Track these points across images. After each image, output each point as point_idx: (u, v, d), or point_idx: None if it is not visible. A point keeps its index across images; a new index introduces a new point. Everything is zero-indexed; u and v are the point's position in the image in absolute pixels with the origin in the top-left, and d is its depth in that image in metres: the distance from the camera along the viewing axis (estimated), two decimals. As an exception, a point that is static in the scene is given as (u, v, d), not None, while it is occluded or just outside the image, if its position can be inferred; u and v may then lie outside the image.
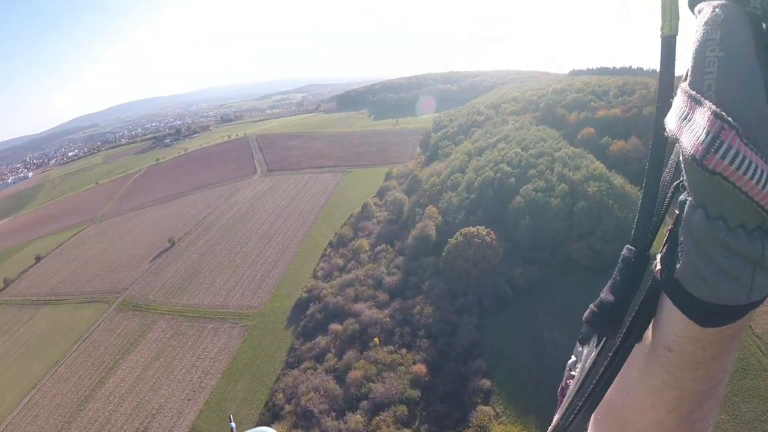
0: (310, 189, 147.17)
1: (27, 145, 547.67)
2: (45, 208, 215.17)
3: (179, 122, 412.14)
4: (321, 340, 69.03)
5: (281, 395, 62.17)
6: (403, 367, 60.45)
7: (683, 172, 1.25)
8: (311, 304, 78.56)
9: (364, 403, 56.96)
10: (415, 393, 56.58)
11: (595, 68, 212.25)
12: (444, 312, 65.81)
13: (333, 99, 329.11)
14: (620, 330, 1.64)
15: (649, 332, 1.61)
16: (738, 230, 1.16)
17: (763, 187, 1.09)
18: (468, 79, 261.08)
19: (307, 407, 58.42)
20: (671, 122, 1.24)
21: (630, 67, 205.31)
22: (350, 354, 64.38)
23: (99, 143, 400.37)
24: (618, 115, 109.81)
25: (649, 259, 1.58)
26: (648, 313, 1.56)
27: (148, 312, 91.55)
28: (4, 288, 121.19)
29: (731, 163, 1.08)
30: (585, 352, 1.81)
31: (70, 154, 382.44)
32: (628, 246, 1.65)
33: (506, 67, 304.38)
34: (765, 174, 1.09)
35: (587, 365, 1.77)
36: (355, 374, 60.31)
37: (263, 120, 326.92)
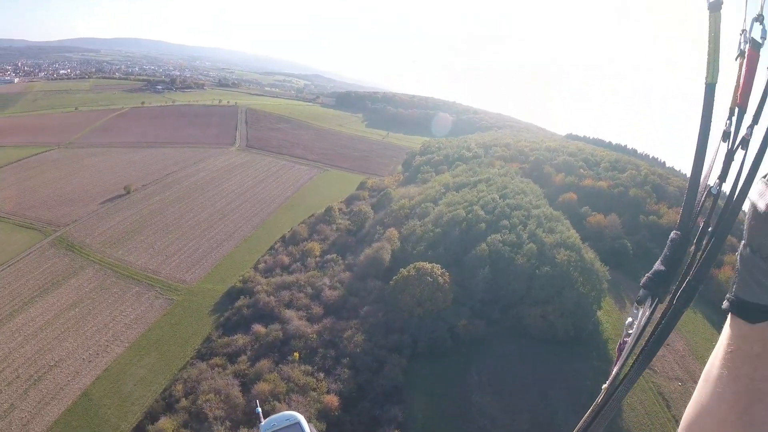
0: (282, 176, 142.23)
1: (23, 50, 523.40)
2: (18, 118, 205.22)
3: (178, 73, 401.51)
4: (239, 339, 63.35)
5: (181, 387, 56.46)
6: (315, 393, 54.62)
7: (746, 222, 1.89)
8: (242, 297, 73.23)
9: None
10: (321, 426, 50.61)
11: (591, 138, 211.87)
12: (375, 345, 60.44)
13: (333, 95, 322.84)
14: (669, 293, 2.15)
15: (718, 349, 2.06)
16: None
17: None
18: (468, 114, 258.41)
19: (202, 409, 52.49)
20: (754, 195, 1.83)
21: (625, 146, 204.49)
22: (264, 363, 58.50)
23: (93, 70, 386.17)
24: (604, 189, 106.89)
25: (689, 241, 2.19)
26: (693, 287, 2.09)
27: (80, 255, 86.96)
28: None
29: None
30: (640, 312, 2.26)
31: (61, 71, 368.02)
32: (675, 231, 2.24)
33: (508, 113, 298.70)
34: None
35: (642, 323, 2.22)
36: (262, 387, 54.49)
37: (259, 95, 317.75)
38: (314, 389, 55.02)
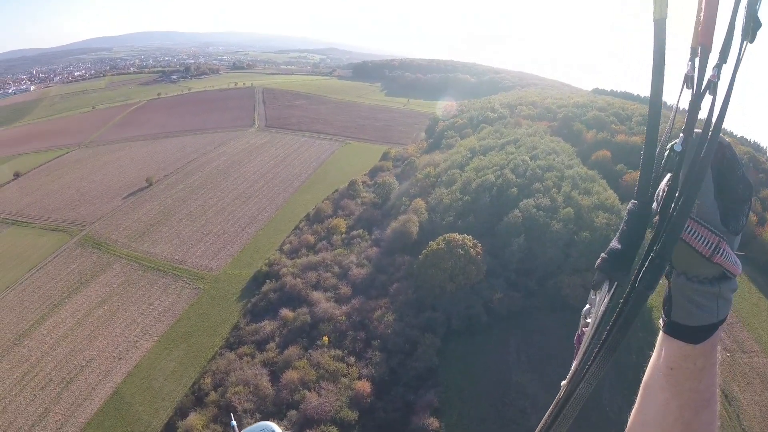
0: (303, 153, 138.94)
1: (36, 58, 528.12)
2: (38, 125, 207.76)
3: (192, 60, 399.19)
4: (267, 325, 60.70)
5: (209, 380, 54.24)
6: (346, 380, 51.53)
7: (680, 256, 1.96)
8: (268, 281, 70.46)
9: (293, 413, 48.25)
10: (353, 415, 47.87)
11: (618, 91, 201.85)
12: (406, 325, 56.79)
13: (349, 67, 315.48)
14: (630, 276, 1.95)
15: (655, 363, 2.14)
16: (705, 281, 1.97)
17: (727, 258, 1.95)
18: (489, 74, 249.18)
19: (231, 402, 50.18)
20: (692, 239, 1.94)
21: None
22: (293, 349, 55.73)
23: (107, 68, 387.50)
24: (638, 144, 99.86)
25: (650, 211, 1.99)
26: (658, 266, 1.91)
27: (107, 252, 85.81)
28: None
29: (722, 256, 1.93)
30: (597, 298, 2.07)
31: (76, 73, 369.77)
32: (632, 200, 2.01)
33: (530, 71, 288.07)
34: (728, 252, 1.96)
35: (600, 310, 2.02)
36: (291, 375, 51.72)
37: (275, 74, 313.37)
38: (345, 375, 52.05)
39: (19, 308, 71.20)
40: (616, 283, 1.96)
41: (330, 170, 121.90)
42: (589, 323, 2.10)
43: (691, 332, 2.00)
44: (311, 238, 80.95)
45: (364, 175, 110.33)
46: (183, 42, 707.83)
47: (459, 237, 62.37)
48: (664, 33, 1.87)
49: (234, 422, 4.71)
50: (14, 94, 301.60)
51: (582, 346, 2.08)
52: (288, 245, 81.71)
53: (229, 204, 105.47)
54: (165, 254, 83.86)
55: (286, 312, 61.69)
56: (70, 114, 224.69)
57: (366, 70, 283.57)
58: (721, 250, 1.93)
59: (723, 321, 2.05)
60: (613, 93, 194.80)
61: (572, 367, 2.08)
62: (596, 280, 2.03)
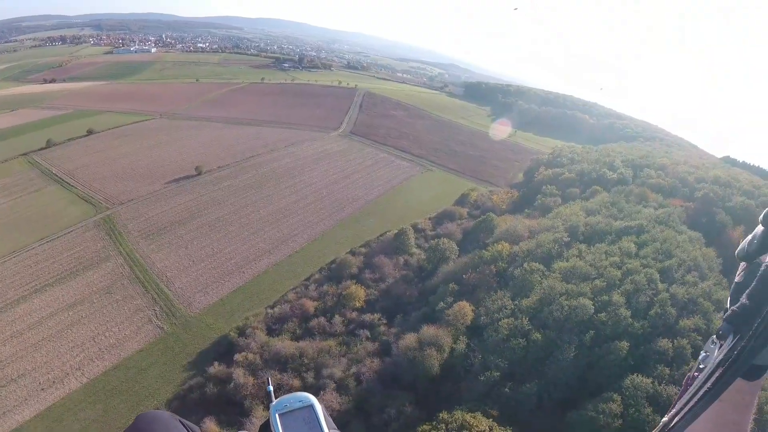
0: (375, 172, 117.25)
1: (171, 24, 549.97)
2: (140, 86, 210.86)
3: (314, 53, 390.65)
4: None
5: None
6: None
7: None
8: (217, 362, 49.91)
9: None
10: None
11: (753, 165, 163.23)
12: None
13: (463, 85, 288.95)
14: (751, 330, 1.98)
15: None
16: None
17: None
18: (610, 118, 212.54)
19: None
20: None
21: None
22: None
23: (230, 45, 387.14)
24: None
25: None
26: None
27: (114, 243, 77.82)
28: (44, 148, 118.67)
29: None
30: (718, 348, 2.19)
31: (199, 44, 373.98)
32: (765, 263, 2.06)
33: (654, 121, 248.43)
34: None
35: (719, 359, 2.11)
36: None
37: (386, 79, 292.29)
38: None
39: (4, 283, 66.59)
40: (738, 336, 2.04)
41: (395, 201, 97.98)
42: (702, 368, 2.20)
43: (754, 370, 2.03)
44: (311, 306, 57.15)
45: (428, 219, 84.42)
46: (312, 35, 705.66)
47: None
48: None
49: (271, 387, 3.73)
50: (135, 52, 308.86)
51: (692, 387, 2.17)
52: (279, 308, 58.43)
53: (261, 218, 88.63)
54: (160, 266, 71.66)
55: (210, 426, 37.97)
56: (173, 82, 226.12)
57: (479, 91, 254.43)
58: None
59: None
60: (745, 165, 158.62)
61: (676, 405, 2.15)
62: (723, 330, 2.12)
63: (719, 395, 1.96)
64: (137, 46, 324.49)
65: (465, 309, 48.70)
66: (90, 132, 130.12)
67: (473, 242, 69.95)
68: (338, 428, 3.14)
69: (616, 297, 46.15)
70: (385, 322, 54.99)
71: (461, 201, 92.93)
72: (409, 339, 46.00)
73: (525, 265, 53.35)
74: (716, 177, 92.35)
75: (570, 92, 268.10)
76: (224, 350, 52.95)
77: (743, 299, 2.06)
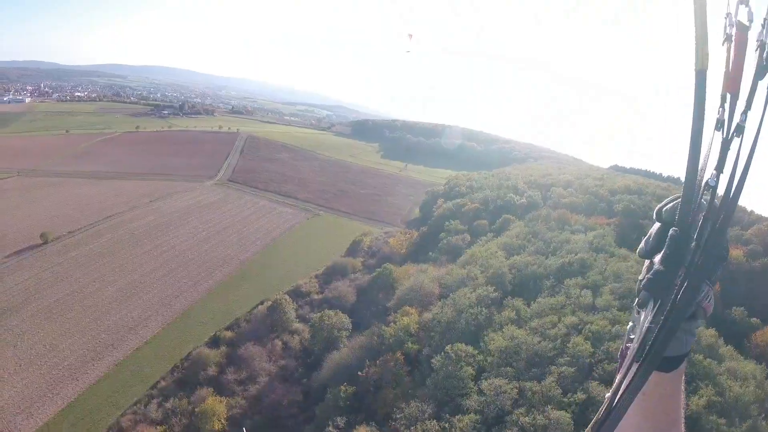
0: (253, 223, 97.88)
1: (51, 72, 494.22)
2: (7, 139, 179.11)
3: (198, 100, 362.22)
4: None
5: None
6: None
7: None
8: None
9: None
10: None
11: (641, 170, 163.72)
12: None
13: (350, 124, 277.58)
14: (671, 294, 1.95)
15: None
16: (687, 319, 2.00)
17: (710, 301, 2.05)
18: (497, 144, 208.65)
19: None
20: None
21: (678, 178, 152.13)
22: None
23: (111, 93, 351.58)
24: (740, 261, 57.07)
25: (690, 237, 2.01)
26: (696, 285, 1.94)
27: None
28: None
29: (708, 300, 2.04)
30: (642, 316, 2.07)
31: (76, 93, 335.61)
32: (674, 228, 2.06)
33: (538, 143, 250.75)
34: (710, 295, 2.05)
35: (645, 327, 2.00)
36: None
37: (271, 123, 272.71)
38: None
39: None
40: (659, 301, 1.99)
41: (275, 257, 79.24)
42: (632, 338, 2.12)
43: (665, 362, 2.03)
44: None
45: (315, 277, 66.04)
46: (198, 81, 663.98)
47: None
48: (705, 84, 1.95)
49: None
50: (9, 102, 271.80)
51: (626, 360, 2.06)
52: None
53: (108, 298, 67.16)
54: None
55: None
56: (41, 134, 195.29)
57: (366, 129, 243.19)
58: (710, 296, 2.06)
59: (689, 353, 2.18)
60: (633, 171, 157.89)
61: (616, 380, 2.06)
62: (642, 299, 2.05)
63: (655, 362, 1.92)
64: (10, 96, 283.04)
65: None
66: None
67: (371, 304, 52.44)
68: None
69: (599, 391, 29.77)
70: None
71: (353, 249, 75.58)
72: None
73: (448, 348, 35.63)
74: (626, 186, 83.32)
75: (455, 123, 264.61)
76: None
77: (657, 265, 2.03)
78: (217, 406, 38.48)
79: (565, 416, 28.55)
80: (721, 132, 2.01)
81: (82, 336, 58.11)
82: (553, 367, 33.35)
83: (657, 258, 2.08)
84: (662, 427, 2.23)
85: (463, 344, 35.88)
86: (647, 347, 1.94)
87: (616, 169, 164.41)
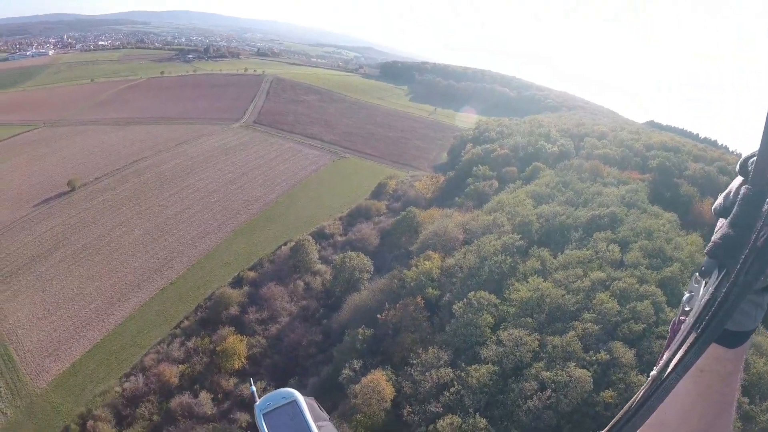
0: (279, 165, 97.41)
1: (73, 24, 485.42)
2: (29, 93, 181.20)
3: (225, 44, 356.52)
4: None
5: None
6: None
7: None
8: None
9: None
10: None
11: (677, 127, 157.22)
12: None
13: (378, 66, 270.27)
14: (738, 262, 1.67)
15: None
16: (756, 290, 1.69)
17: None
18: (531, 90, 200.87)
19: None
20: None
21: (715, 140, 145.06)
22: None
23: (135, 40, 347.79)
24: None
25: (765, 197, 1.68)
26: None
27: None
28: None
29: None
30: (702, 286, 1.86)
31: (99, 42, 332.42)
32: (746, 185, 1.73)
33: (573, 92, 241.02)
34: None
35: (705, 299, 1.78)
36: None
37: (298, 65, 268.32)
38: None
39: None
40: (724, 271, 1.73)
41: (300, 199, 79.02)
42: (688, 311, 1.90)
43: (730, 337, 1.83)
44: (174, 375, 38.96)
45: (339, 219, 65.69)
46: (223, 25, 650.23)
47: None
48: None
49: (253, 387, 3.85)
50: (32, 56, 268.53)
51: (680, 334, 1.84)
52: (133, 380, 38.46)
53: (134, 241, 68.68)
54: (12, 321, 52.41)
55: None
56: (66, 85, 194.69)
57: (395, 71, 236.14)
58: None
59: (755, 329, 1.91)
60: (670, 129, 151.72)
61: (664, 356, 1.85)
62: (706, 267, 1.80)
63: (712, 340, 1.68)
64: (34, 50, 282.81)
65: (379, 385, 30.07)
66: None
67: (393, 248, 51.83)
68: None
69: (623, 352, 28.58)
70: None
71: (378, 192, 74.67)
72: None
73: (470, 295, 34.87)
74: (662, 142, 78.60)
75: (488, 67, 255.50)
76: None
77: (725, 228, 1.74)
78: (237, 345, 39.12)
79: (585, 375, 27.76)
80: None
81: (108, 279, 60.23)
82: (576, 323, 32.33)
83: (727, 220, 1.76)
84: (716, 408, 1.96)
85: (486, 292, 35.10)
86: (705, 321, 1.70)
87: (652, 125, 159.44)
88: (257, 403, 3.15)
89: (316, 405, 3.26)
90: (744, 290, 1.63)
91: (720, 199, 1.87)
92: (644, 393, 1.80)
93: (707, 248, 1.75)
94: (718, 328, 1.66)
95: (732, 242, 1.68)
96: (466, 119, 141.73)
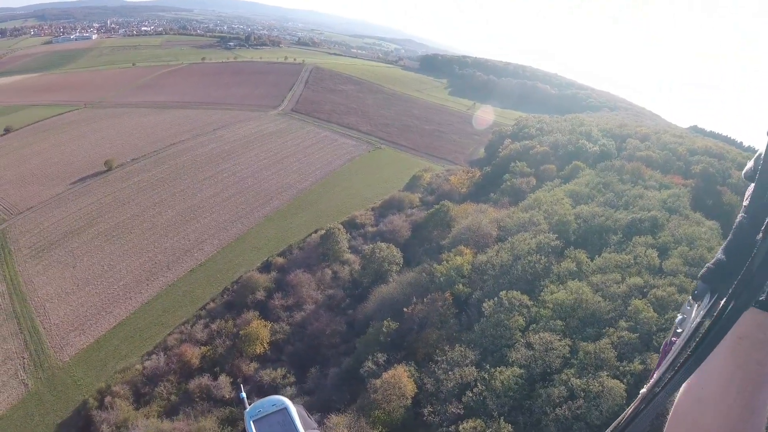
0: (314, 153, 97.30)
1: (117, 9, 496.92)
2: (72, 74, 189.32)
3: (266, 32, 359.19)
4: None
5: None
6: None
7: None
8: None
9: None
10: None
11: (719, 134, 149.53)
12: None
13: (418, 58, 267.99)
14: (731, 288, 1.65)
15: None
16: None
17: None
18: (572, 89, 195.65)
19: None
20: None
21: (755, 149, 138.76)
22: None
23: (177, 27, 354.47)
24: None
25: (760, 225, 1.64)
26: (759, 282, 1.60)
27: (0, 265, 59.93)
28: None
29: None
30: (695, 309, 1.84)
31: (142, 28, 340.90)
32: (742, 213, 1.72)
33: (615, 92, 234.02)
34: None
35: (696, 321, 1.78)
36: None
37: (337, 55, 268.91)
38: None
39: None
40: (716, 295, 1.75)
41: (334, 187, 78.65)
42: (680, 333, 1.88)
43: None
44: (195, 356, 39.09)
45: (371, 210, 64.91)
46: (265, 14, 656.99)
47: None
48: None
49: (243, 393, 4.04)
50: (75, 40, 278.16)
51: (670, 354, 1.82)
52: (154, 359, 38.26)
53: (167, 221, 69.75)
54: (41, 294, 53.94)
55: None
56: (107, 68, 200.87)
57: (434, 64, 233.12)
58: None
59: None
60: (713, 135, 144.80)
61: (655, 375, 1.82)
62: (699, 291, 1.81)
63: (701, 362, 1.66)
64: (78, 34, 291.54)
65: (400, 381, 29.08)
66: (7, 130, 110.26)
67: (424, 241, 50.63)
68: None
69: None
70: (293, 379, 35.23)
71: (412, 185, 73.55)
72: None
73: (502, 294, 33.60)
74: (706, 147, 75.06)
75: (530, 63, 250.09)
76: (84, 424, 36.46)
77: (719, 254, 1.74)
78: (261, 329, 38.84)
79: (618, 386, 26.09)
80: None
81: (139, 257, 61.23)
82: (611, 330, 30.60)
83: (722, 246, 1.74)
84: (754, 382, 1.80)
85: (518, 292, 33.75)
86: (695, 344, 1.68)
87: (695, 130, 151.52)
88: (247, 409, 3.18)
89: (305, 413, 3.22)
90: (734, 316, 1.60)
91: (750, 163, 1.80)
92: (633, 410, 1.78)
93: (701, 272, 1.74)
94: (710, 348, 1.63)
95: (724, 269, 1.69)
96: (506, 115, 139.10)
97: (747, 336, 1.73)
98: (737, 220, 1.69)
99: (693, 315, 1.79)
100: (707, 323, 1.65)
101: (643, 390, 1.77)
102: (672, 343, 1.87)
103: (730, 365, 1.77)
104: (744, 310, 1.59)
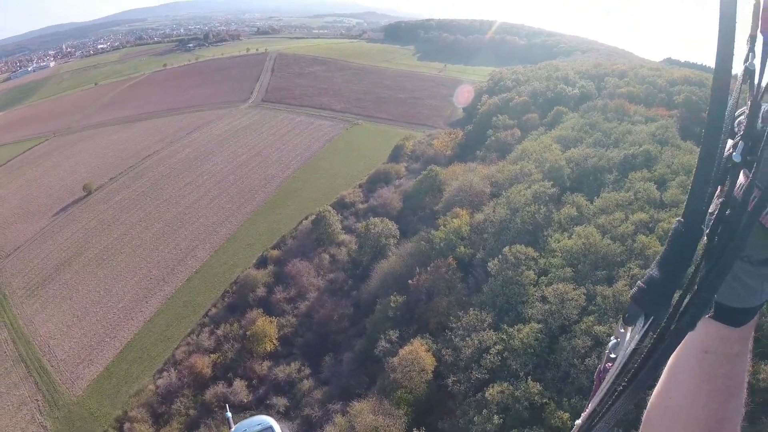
0: (291, 140, 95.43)
1: (70, 32, 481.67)
2: (34, 107, 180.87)
3: (224, 28, 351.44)
4: None
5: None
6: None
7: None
8: None
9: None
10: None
11: (696, 63, 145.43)
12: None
13: (382, 29, 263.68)
14: (668, 310, 1.50)
15: (686, 345, 1.65)
16: (758, 262, 1.49)
17: None
18: (541, 37, 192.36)
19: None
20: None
21: (736, 74, 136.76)
22: None
23: (134, 38, 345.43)
24: None
25: (699, 234, 1.49)
26: (704, 301, 1.46)
27: None
28: None
29: None
30: (628, 334, 1.63)
31: (98, 46, 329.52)
32: (678, 219, 1.55)
33: (584, 34, 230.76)
34: None
35: (630, 348, 1.57)
36: None
37: (300, 38, 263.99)
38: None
39: None
40: (651, 318, 1.50)
41: (317, 171, 77.11)
42: (614, 359, 1.65)
43: (734, 314, 1.63)
44: (206, 365, 37.72)
45: (358, 187, 63.56)
46: (220, 9, 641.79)
47: None
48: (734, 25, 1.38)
49: (229, 414, 4.10)
50: (33, 71, 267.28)
51: (604, 383, 1.64)
52: (166, 376, 37.41)
53: (155, 235, 68.21)
54: (43, 332, 52.36)
55: None
56: (70, 93, 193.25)
57: (399, 32, 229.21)
58: None
59: (762, 305, 1.70)
60: (688, 65, 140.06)
61: (590, 406, 1.68)
62: (630, 314, 1.56)
63: (642, 389, 1.49)
64: (35, 65, 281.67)
65: (419, 356, 28.11)
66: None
67: (418, 209, 49.60)
68: None
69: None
70: (308, 371, 34.22)
71: (396, 155, 72.24)
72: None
73: (506, 250, 32.56)
74: (685, 77, 74.39)
75: (492, 18, 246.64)
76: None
77: (652, 269, 1.49)
78: (267, 326, 37.84)
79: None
80: (750, 87, 1.46)
81: (133, 276, 59.80)
82: (622, 270, 29.67)
83: (656, 260, 1.53)
84: (722, 394, 1.76)
85: (522, 246, 32.71)
86: (631, 373, 1.53)
87: (670, 62, 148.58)
88: (233, 429, 3.19)
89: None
90: (678, 339, 1.46)
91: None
92: None
93: (632, 292, 1.53)
94: (650, 377, 1.51)
95: (658, 289, 1.48)
96: (478, 72, 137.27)
97: (712, 350, 1.67)
98: (673, 227, 1.48)
99: (627, 339, 1.56)
100: (644, 347, 1.48)
101: (578, 421, 1.65)
102: (606, 370, 1.66)
103: (696, 378, 1.71)
104: (689, 331, 1.45)
